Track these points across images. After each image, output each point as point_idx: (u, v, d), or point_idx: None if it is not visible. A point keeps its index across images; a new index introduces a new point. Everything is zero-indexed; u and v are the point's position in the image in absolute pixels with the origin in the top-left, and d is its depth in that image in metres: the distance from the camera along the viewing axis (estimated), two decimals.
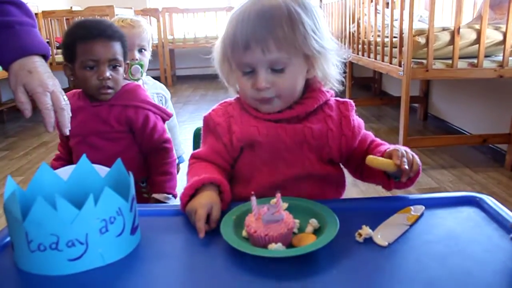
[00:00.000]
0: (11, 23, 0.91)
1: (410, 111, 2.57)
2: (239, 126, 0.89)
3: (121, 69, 1.22)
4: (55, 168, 1.33)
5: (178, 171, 1.74)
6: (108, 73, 1.17)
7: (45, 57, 0.93)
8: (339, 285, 0.61)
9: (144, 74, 1.62)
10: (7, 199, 0.68)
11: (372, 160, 0.80)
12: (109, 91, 1.20)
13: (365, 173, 0.94)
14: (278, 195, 0.71)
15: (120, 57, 1.21)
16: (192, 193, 0.80)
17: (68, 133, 0.92)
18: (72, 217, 0.63)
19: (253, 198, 0.70)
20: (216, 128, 0.91)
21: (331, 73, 0.90)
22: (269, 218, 0.68)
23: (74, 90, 1.29)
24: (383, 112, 4.07)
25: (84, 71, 1.17)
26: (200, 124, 1.00)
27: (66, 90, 1.28)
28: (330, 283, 0.62)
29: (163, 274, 0.66)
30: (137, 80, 1.55)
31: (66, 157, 1.34)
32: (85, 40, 1.16)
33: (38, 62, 0.90)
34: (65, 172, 0.80)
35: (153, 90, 1.65)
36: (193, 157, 0.94)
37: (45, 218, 0.63)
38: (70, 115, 0.92)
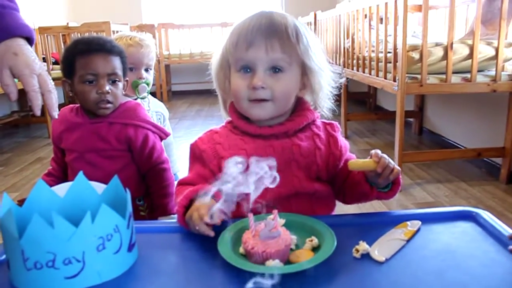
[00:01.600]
0: None
1: (405, 126, 2.58)
2: (228, 152, 0.89)
3: (120, 84, 1.22)
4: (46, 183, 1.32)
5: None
6: (107, 87, 1.17)
7: (29, 40, 0.92)
8: None
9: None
10: (3, 216, 0.67)
11: (353, 163, 0.82)
12: (108, 105, 1.20)
13: (347, 192, 0.95)
14: (275, 211, 0.71)
15: (119, 72, 1.21)
16: (187, 204, 0.80)
17: (56, 117, 0.91)
18: (69, 235, 0.63)
19: (251, 215, 0.71)
20: (202, 155, 0.92)
21: (323, 97, 0.93)
22: (267, 234, 0.68)
23: (71, 105, 1.29)
24: (378, 127, 4.09)
25: (83, 85, 1.17)
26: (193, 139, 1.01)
27: (62, 106, 1.29)
28: None
29: None
30: (143, 98, 1.57)
31: (59, 174, 1.33)
32: (85, 54, 1.16)
33: (23, 44, 0.89)
34: (62, 189, 0.80)
35: (153, 109, 1.66)
36: (179, 183, 0.94)
37: (42, 236, 0.63)
38: (57, 99, 0.91)
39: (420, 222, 0.80)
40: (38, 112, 0.88)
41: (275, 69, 0.86)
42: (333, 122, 0.97)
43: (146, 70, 1.59)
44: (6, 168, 3.32)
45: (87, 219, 0.64)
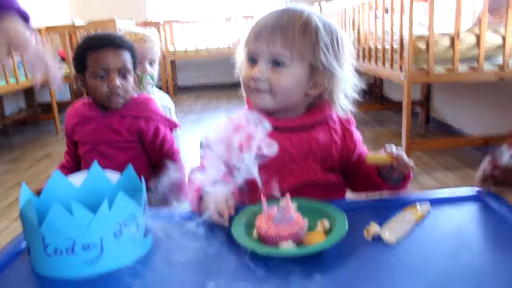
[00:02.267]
0: None
1: (412, 115, 2.58)
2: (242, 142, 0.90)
3: (130, 78, 1.25)
4: None
5: None
6: (118, 82, 1.20)
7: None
8: (349, 283, 0.63)
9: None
10: (23, 205, 0.69)
11: (371, 158, 0.86)
12: (120, 99, 1.23)
13: (359, 182, 0.98)
14: (288, 196, 0.72)
15: (129, 66, 1.24)
16: (201, 192, 0.82)
17: (62, 87, 0.94)
18: (88, 221, 0.65)
19: (264, 199, 0.72)
20: (217, 143, 0.93)
21: (339, 97, 0.93)
22: (280, 218, 0.70)
23: (82, 99, 1.32)
24: (384, 117, 4.09)
25: (95, 80, 1.20)
26: (201, 133, 1.02)
27: (68, 103, 1.33)
28: (340, 280, 0.63)
29: (176, 276, 0.67)
30: (148, 92, 1.59)
31: (72, 166, 1.36)
32: (96, 50, 1.20)
33: (20, 22, 0.93)
34: (77, 179, 0.82)
35: (158, 102, 1.68)
36: (192, 171, 0.95)
37: (61, 223, 0.65)
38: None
39: (429, 204, 0.82)
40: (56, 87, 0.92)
41: (276, 63, 0.88)
42: (349, 116, 0.98)
43: (150, 64, 1.62)
44: (16, 165, 3.36)
45: (105, 206, 0.66)
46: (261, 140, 0.79)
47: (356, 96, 0.94)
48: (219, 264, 0.69)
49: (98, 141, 1.25)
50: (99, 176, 0.81)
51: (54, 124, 4.22)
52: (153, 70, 1.64)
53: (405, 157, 0.86)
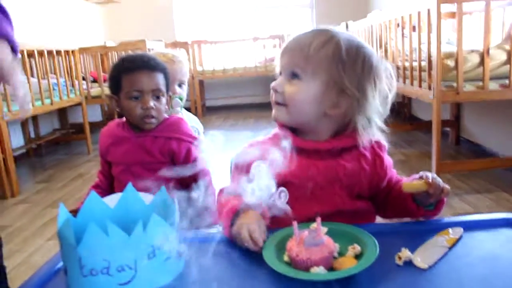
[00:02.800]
0: None
1: (442, 136, 2.55)
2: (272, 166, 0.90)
3: (163, 99, 1.28)
4: None
5: None
6: (151, 103, 1.23)
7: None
8: None
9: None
10: (62, 225, 0.72)
11: (407, 185, 0.85)
12: (153, 120, 1.26)
13: (390, 208, 0.97)
14: (319, 219, 0.72)
15: (163, 88, 1.27)
16: (232, 217, 0.83)
17: (29, 112, 1.01)
18: (122, 243, 0.67)
19: (295, 223, 0.73)
20: (247, 164, 0.93)
21: (364, 125, 0.91)
22: (311, 241, 0.70)
23: (117, 120, 1.35)
24: (413, 137, 4.03)
25: (129, 101, 1.24)
26: (230, 154, 1.04)
27: (100, 124, 1.37)
28: None
29: None
30: (177, 113, 1.62)
31: (105, 186, 1.39)
32: (130, 72, 1.24)
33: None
34: (112, 200, 0.84)
35: (188, 123, 1.71)
36: (221, 191, 0.96)
37: (97, 244, 0.67)
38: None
39: (462, 229, 0.80)
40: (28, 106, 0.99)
41: (293, 75, 0.91)
42: (380, 141, 0.96)
43: (180, 85, 1.65)
44: (49, 184, 3.45)
45: (139, 228, 0.67)
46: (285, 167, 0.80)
47: (381, 125, 0.93)
48: (251, 286, 0.70)
49: (131, 162, 1.28)
50: (133, 197, 0.83)
51: (86, 144, 4.32)
52: (182, 91, 1.67)
53: (440, 181, 0.85)
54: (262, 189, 0.83)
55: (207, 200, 1.30)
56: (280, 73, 0.93)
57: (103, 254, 0.67)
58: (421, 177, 0.85)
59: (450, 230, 0.80)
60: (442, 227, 0.82)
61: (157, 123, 1.28)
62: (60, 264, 0.79)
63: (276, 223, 0.84)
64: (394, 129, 4.07)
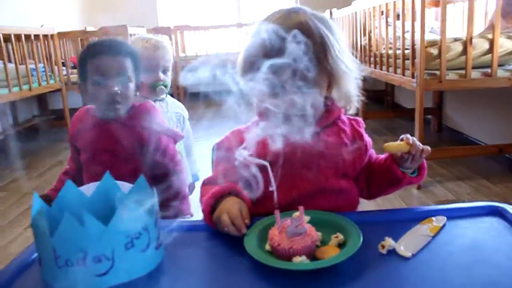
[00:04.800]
0: None
1: (424, 123, 2.55)
2: (254, 149, 0.89)
3: (131, 85, 1.23)
4: (63, 182, 1.34)
5: (193, 189, 1.76)
6: (116, 88, 1.18)
7: None
8: None
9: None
10: (35, 215, 0.69)
11: (389, 145, 0.89)
12: (118, 106, 1.21)
13: (375, 183, 0.97)
14: (301, 208, 0.71)
15: (129, 73, 1.22)
16: (213, 203, 0.81)
17: None
18: (99, 233, 0.64)
19: (277, 212, 0.71)
20: (228, 154, 0.92)
21: (350, 90, 0.92)
22: (293, 230, 0.69)
23: (86, 106, 1.31)
24: (396, 125, 4.06)
25: (95, 87, 1.19)
26: (211, 142, 1.02)
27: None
28: None
29: None
30: (162, 100, 1.59)
31: (74, 173, 1.35)
32: (95, 57, 1.19)
33: None
34: (88, 189, 0.81)
35: (173, 110, 1.67)
36: (204, 183, 0.94)
37: (73, 234, 0.64)
38: None
39: (445, 218, 0.80)
40: None
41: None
42: (358, 118, 0.99)
43: (164, 72, 1.61)
44: (28, 171, 3.38)
45: (116, 217, 0.65)
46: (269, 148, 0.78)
47: (357, 93, 0.94)
48: (232, 277, 0.68)
49: (98, 150, 1.24)
50: (111, 186, 0.80)
51: (67, 131, 4.25)
52: (167, 78, 1.62)
53: (419, 143, 0.87)
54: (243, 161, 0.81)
55: (178, 189, 1.28)
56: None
57: (79, 245, 0.64)
58: (401, 139, 0.88)
59: (433, 218, 0.80)
60: (425, 215, 0.82)
61: (125, 109, 1.23)
62: (35, 255, 0.77)
63: (258, 208, 0.83)
64: (376, 116, 4.10)
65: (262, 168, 0.86)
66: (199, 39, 6.14)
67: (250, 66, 0.88)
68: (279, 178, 0.88)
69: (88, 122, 1.26)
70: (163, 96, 1.60)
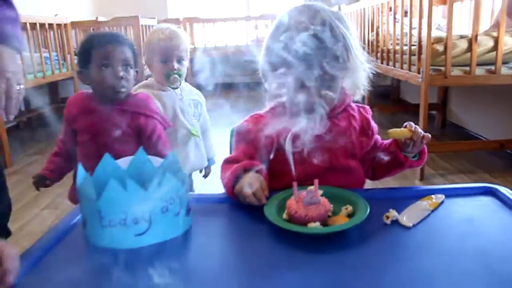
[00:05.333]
0: None
1: (429, 119, 2.63)
2: (273, 132, 0.98)
3: (132, 72, 1.38)
4: (55, 162, 1.46)
5: (209, 172, 1.86)
6: (121, 73, 1.32)
7: (19, 51, 1.05)
8: (369, 260, 0.70)
9: (183, 81, 1.74)
10: (81, 183, 0.78)
11: (393, 131, 0.98)
12: (123, 89, 1.35)
13: (380, 166, 1.07)
14: (316, 181, 0.80)
15: (131, 61, 1.36)
16: (235, 178, 0.90)
17: (11, 119, 1.06)
18: (139, 197, 0.74)
19: (295, 184, 0.80)
20: (248, 135, 1.02)
21: (361, 80, 1.01)
22: (309, 200, 0.78)
23: (85, 91, 1.42)
24: (401, 119, 4.09)
25: (101, 72, 1.32)
26: (224, 129, 1.11)
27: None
28: (361, 258, 0.71)
29: (214, 249, 0.76)
30: (176, 88, 1.67)
31: (64, 153, 1.47)
32: (101, 46, 1.33)
33: (7, 52, 1.01)
34: (124, 162, 0.90)
35: (189, 97, 1.76)
36: (225, 161, 1.03)
37: (116, 197, 0.73)
38: (18, 105, 1.04)
39: (443, 196, 0.89)
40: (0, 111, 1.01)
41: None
42: (365, 105, 1.09)
43: (179, 61, 1.69)
44: (41, 157, 3.48)
45: (154, 184, 0.74)
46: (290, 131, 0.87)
47: (366, 84, 1.02)
48: (253, 241, 0.77)
49: (98, 132, 1.35)
50: (144, 160, 0.89)
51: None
52: (182, 67, 1.71)
53: (421, 130, 0.97)
54: None
55: None
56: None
57: (121, 207, 0.74)
58: (405, 126, 0.98)
59: (433, 196, 0.89)
60: (425, 193, 0.91)
61: (126, 92, 1.37)
62: (76, 219, 0.86)
63: (274, 183, 0.92)
64: (382, 111, 4.18)
65: (279, 149, 0.96)
66: (208, 31, 6.21)
67: (276, 60, 0.95)
68: (297, 157, 0.97)
69: (90, 106, 1.36)
70: (177, 84, 1.68)
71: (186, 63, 1.73)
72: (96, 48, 1.33)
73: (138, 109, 1.38)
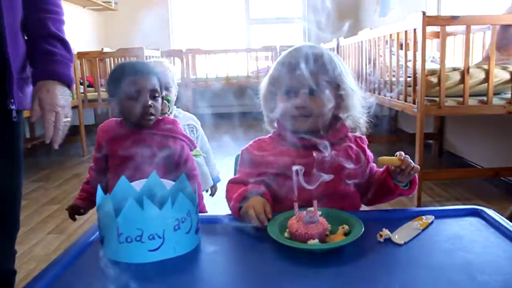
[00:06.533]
0: (54, 53, 1.15)
1: (426, 148, 2.71)
2: (275, 158, 1.07)
3: (159, 100, 1.45)
4: (86, 190, 1.53)
5: (215, 191, 1.95)
6: (150, 102, 1.40)
7: (69, 87, 1.17)
8: (364, 274, 0.77)
9: (174, 108, 1.89)
10: (100, 202, 0.86)
11: (382, 159, 1.05)
12: (151, 117, 1.42)
13: (374, 192, 1.14)
14: (315, 201, 0.88)
15: (158, 89, 1.44)
16: (241, 200, 0.98)
17: (56, 147, 1.14)
18: (155, 215, 0.81)
19: (296, 204, 0.88)
20: (252, 159, 1.10)
21: (357, 113, 1.11)
22: (309, 219, 0.85)
23: (114, 119, 1.51)
24: (399, 148, 4.17)
25: (130, 101, 1.39)
26: (225, 161, 1.19)
27: (93, 126, 1.52)
28: (357, 271, 0.78)
29: (221, 265, 0.83)
30: (165, 114, 1.78)
31: (95, 181, 1.52)
32: (131, 75, 1.40)
33: (59, 87, 1.12)
34: (137, 184, 0.98)
35: (185, 122, 1.87)
36: (230, 182, 1.12)
37: (134, 215, 0.81)
38: (63, 135, 1.14)
39: (433, 216, 0.96)
40: (47, 141, 1.11)
41: (311, 91, 1.06)
42: (362, 136, 1.17)
43: (167, 88, 1.81)
44: (46, 183, 3.55)
45: (169, 203, 0.82)
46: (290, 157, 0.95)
47: (363, 115, 1.13)
48: (257, 255, 0.84)
49: (130, 156, 1.42)
50: (156, 182, 0.97)
51: (81, 146, 4.43)
52: (170, 93, 1.85)
53: (410, 161, 1.04)
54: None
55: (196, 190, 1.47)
56: (290, 92, 1.07)
57: (137, 224, 0.81)
58: (395, 155, 1.05)
59: (423, 217, 0.96)
60: (416, 214, 0.98)
61: (155, 120, 1.44)
62: (93, 237, 0.93)
63: (277, 207, 1.00)
64: (380, 140, 4.27)
65: (280, 174, 1.04)
66: (210, 62, 6.37)
67: (275, 90, 1.07)
68: (298, 184, 1.04)
69: (121, 132, 1.45)
70: (166, 110, 1.78)
71: (174, 90, 1.89)
72: (126, 78, 1.40)
73: (166, 132, 1.45)
